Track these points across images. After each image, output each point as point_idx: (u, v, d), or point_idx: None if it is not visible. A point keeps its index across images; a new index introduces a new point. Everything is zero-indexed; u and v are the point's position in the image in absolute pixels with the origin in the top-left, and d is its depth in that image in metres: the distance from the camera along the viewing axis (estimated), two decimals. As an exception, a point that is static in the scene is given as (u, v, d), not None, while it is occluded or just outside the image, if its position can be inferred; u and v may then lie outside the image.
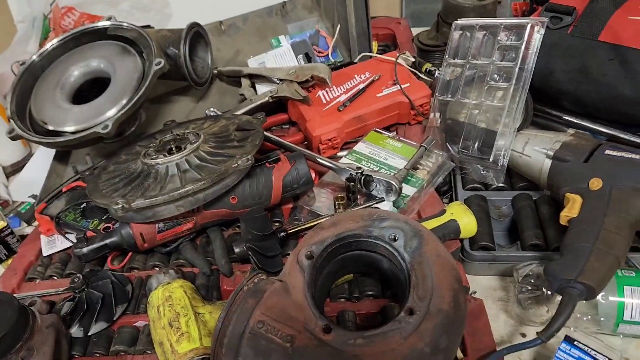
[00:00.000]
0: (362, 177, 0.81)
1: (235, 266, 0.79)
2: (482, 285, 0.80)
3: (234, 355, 0.56)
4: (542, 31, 0.84)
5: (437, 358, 0.55)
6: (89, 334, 0.72)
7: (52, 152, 1.05)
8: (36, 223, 0.98)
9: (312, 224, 0.78)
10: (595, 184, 0.74)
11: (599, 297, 0.67)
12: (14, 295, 0.76)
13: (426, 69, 1.10)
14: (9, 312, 0.64)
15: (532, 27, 0.84)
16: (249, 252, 0.74)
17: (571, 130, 0.84)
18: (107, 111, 0.88)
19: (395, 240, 0.62)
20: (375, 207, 0.81)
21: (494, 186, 0.89)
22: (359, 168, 0.83)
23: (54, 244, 0.88)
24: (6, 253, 0.90)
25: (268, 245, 0.75)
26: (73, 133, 0.87)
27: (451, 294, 0.58)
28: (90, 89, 0.96)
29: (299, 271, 0.61)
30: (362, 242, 0.64)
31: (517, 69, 0.84)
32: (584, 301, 0.68)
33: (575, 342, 0.66)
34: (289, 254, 0.79)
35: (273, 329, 0.56)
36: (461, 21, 0.93)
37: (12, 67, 1.16)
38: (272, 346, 0.55)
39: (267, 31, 1.16)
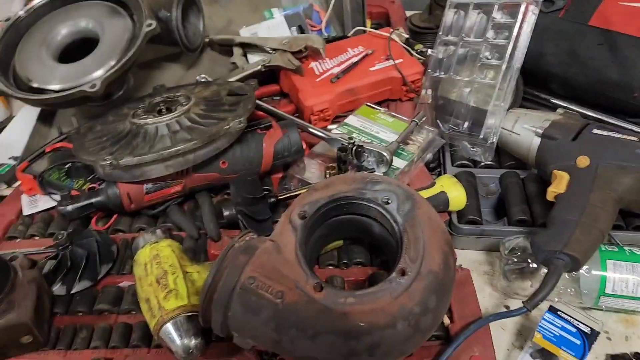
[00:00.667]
0: (354, 147, 0.81)
1: (223, 232, 0.79)
2: (469, 259, 0.81)
3: (224, 310, 0.56)
4: (537, 11, 0.85)
5: (426, 317, 0.55)
6: (72, 292, 0.71)
7: (34, 114, 1.02)
8: (16, 184, 0.96)
9: (303, 190, 0.78)
10: (583, 161, 0.75)
11: (582, 270, 0.69)
12: (-6, 250, 0.75)
13: (418, 49, 1.11)
14: (-10, 265, 0.63)
15: (527, 7, 0.84)
16: (239, 215, 0.73)
17: (560, 110, 0.85)
18: (94, 71, 0.86)
19: (388, 203, 0.62)
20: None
21: (482, 164, 0.90)
22: (350, 138, 0.83)
23: (35, 203, 0.86)
24: (-15, 212, 0.87)
25: (258, 209, 0.74)
26: (58, 91, 0.85)
27: (441, 256, 0.58)
28: (78, 49, 0.94)
29: (291, 231, 0.61)
30: (355, 205, 0.64)
31: (510, 47, 0.84)
32: (567, 276, 0.70)
33: (559, 312, 0.67)
34: (278, 221, 0.79)
35: (264, 285, 0.56)
36: (456, -1, 0.93)
37: (-6, 26, 1.13)
38: (263, 302, 0.55)
39: (260, 3, 1.14)
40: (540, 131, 0.81)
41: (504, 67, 0.85)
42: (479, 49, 0.89)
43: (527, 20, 0.84)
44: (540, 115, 0.84)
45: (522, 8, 0.84)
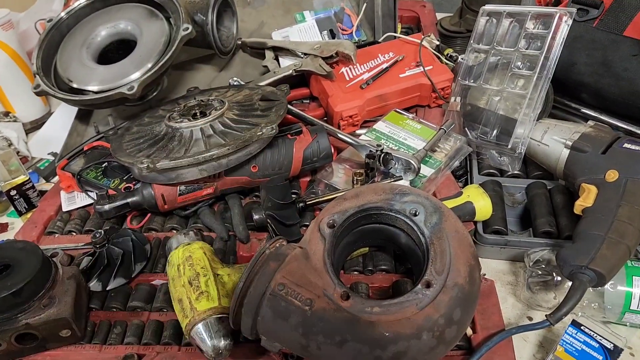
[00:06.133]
0: (382, 155, 0.82)
1: (252, 234, 0.81)
2: (492, 268, 0.81)
3: (253, 314, 0.58)
4: (570, 22, 0.84)
5: (451, 329, 0.56)
6: (107, 288, 0.74)
7: (72, 111, 1.06)
8: (54, 179, 1.00)
9: (331, 196, 0.80)
10: (612, 175, 0.75)
11: (607, 285, 0.69)
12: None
13: (447, 54, 1.11)
14: (34, 260, 0.66)
15: (560, 17, 0.84)
16: (268, 220, 0.75)
17: (591, 122, 0.85)
18: (132, 74, 0.89)
19: (415, 215, 0.63)
20: (393, 185, 0.82)
21: (509, 173, 0.91)
22: (378, 145, 0.84)
23: (73, 200, 0.89)
24: (26, 207, 0.91)
25: (287, 214, 0.76)
26: (97, 92, 0.88)
27: (467, 269, 0.59)
28: (116, 51, 0.97)
29: (320, 239, 0.62)
30: (383, 215, 0.65)
31: (542, 58, 0.84)
32: (591, 290, 0.70)
33: (582, 327, 0.67)
34: (306, 225, 0.81)
35: (293, 292, 0.57)
36: (489, 7, 0.93)
37: (36, 25, 1.17)
38: (292, 308, 0.57)
39: (292, 5, 1.16)
40: (570, 143, 0.81)
41: (534, 77, 0.85)
42: (511, 58, 0.89)
43: (560, 31, 0.84)
44: (570, 127, 0.84)
45: (556, 19, 0.84)
